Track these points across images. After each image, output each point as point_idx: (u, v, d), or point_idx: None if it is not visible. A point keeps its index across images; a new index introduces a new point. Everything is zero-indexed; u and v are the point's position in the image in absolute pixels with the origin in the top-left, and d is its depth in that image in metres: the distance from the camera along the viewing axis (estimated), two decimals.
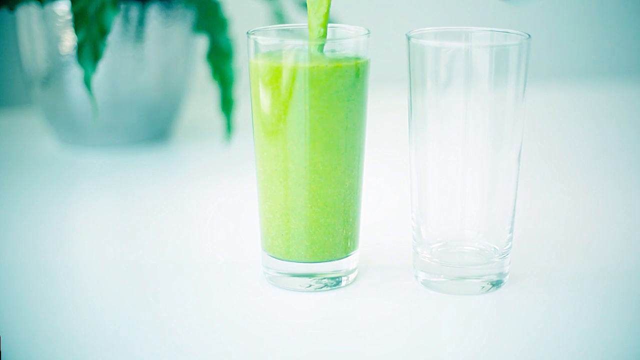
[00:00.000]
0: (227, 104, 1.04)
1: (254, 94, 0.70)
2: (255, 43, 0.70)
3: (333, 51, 0.70)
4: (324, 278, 0.71)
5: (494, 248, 0.71)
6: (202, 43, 1.12)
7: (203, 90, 1.24)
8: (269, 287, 0.72)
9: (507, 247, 0.71)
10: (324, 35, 0.69)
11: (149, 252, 0.80)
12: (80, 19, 0.93)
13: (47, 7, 1.01)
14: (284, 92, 0.68)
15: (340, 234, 0.71)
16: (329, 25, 0.73)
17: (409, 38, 0.70)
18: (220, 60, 1.03)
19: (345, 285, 0.72)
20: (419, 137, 0.70)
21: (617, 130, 1.21)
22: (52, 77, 1.04)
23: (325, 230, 0.71)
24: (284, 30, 0.73)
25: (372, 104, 0.76)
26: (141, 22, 1.03)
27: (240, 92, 1.07)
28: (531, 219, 0.85)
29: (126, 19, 1.02)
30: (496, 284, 0.71)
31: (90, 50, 0.93)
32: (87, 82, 0.93)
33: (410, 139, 0.71)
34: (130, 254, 0.80)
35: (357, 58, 0.69)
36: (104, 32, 0.93)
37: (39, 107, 1.08)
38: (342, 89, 0.69)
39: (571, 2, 1.51)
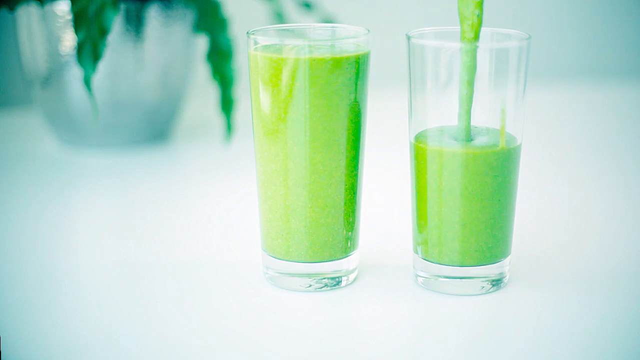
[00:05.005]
0: (227, 104, 1.04)
1: (253, 92, 0.70)
2: (255, 43, 0.70)
3: (332, 46, 0.70)
4: (324, 278, 0.72)
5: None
6: (202, 43, 1.12)
7: (203, 90, 1.24)
8: (269, 287, 0.72)
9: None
10: (476, 37, 0.68)
11: (149, 252, 0.80)
12: (80, 19, 0.93)
13: (47, 7, 1.01)
14: (284, 89, 0.68)
15: (340, 234, 0.71)
16: (329, 25, 0.73)
17: (409, 38, 0.70)
18: (220, 60, 1.03)
19: (345, 285, 0.72)
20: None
21: (617, 130, 1.21)
22: (52, 77, 1.04)
23: (325, 230, 0.71)
24: (284, 30, 0.73)
25: (372, 103, 0.76)
26: (141, 22, 1.03)
27: (240, 92, 1.07)
28: (531, 218, 0.85)
29: (126, 19, 1.02)
30: (496, 284, 0.71)
31: (90, 50, 0.93)
32: (87, 82, 0.93)
33: (410, 139, 0.71)
34: (130, 254, 0.80)
35: (358, 53, 0.69)
36: (104, 32, 0.93)
37: (39, 107, 1.08)
38: (342, 86, 0.69)
39: (571, 2, 1.51)
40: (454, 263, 0.70)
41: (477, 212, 0.69)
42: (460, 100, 0.68)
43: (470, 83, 0.67)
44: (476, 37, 0.68)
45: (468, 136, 0.68)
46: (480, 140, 0.69)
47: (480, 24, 0.68)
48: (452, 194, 0.68)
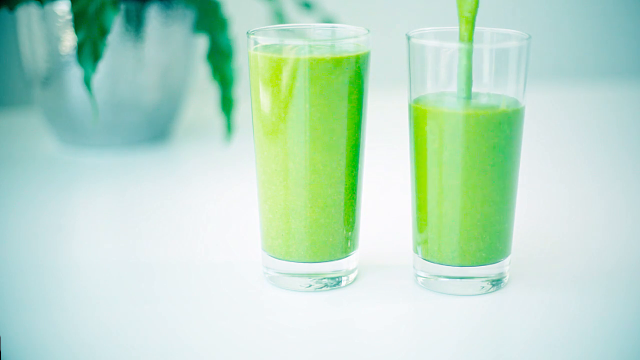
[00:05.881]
0: (227, 104, 1.04)
1: (253, 92, 0.71)
2: (255, 43, 0.70)
3: (332, 46, 0.70)
4: (324, 278, 0.72)
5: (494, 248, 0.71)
6: (202, 43, 1.12)
7: (203, 90, 1.24)
8: (269, 287, 0.72)
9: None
10: (470, 38, 0.68)
11: (149, 251, 0.80)
12: (80, 19, 0.93)
13: (47, 7, 1.01)
14: (284, 89, 0.68)
15: (340, 234, 0.71)
16: (329, 25, 0.73)
17: (409, 38, 0.70)
18: (220, 60, 1.03)
19: (345, 285, 0.72)
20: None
21: (617, 130, 1.21)
22: (52, 77, 1.04)
23: (325, 230, 0.71)
24: (284, 30, 0.73)
25: (372, 103, 0.76)
26: (141, 22, 1.03)
27: (240, 92, 1.07)
28: (531, 218, 0.85)
29: (126, 19, 1.02)
30: (496, 284, 0.71)
31: (90, 50, 0.93)
32: (87, 82, 0.93)
33: (411, 139, 0.71)
34: (130, 254, 0.80)
35: (358, 53, 0.69)
36: (104, 32, 0.93)
37: (39, 107, 1.08)
38: (342, 86, 0.69)
39: (571, 2, 1.51)
40: (454, 261, 0.70)
41: (477, 179, 0.68)
42: (459, 67, 0.68)
43: (469, 56, 0.67)
44: (470, 37, 0.68)
45: (469, 95, 0.68)
46: (481, 101, 0.68)
47: (474, 21, 0.68)
48: (453, 162, 0.68)
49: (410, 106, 0.70)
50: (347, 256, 0.72)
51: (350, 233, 0.72)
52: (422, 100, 0.69)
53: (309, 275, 0.71)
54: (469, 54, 0.68)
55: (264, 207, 0.72)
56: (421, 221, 0.71)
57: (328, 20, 1.13)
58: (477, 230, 0.69)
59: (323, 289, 0.72)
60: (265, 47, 0.70)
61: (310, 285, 0.71)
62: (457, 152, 0.68)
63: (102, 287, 0.74)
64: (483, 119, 0.68)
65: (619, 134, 1.19)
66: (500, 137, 0.68)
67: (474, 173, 0.68)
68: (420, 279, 0.72)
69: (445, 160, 0.68)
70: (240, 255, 0.78)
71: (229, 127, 1.05)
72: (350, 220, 0.72)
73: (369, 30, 0.71)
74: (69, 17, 1.00)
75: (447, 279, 0.71)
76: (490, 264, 0.70)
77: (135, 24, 1.02)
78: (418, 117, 0.69)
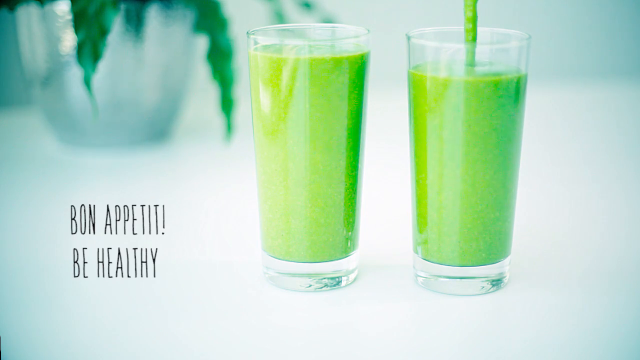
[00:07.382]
0: (227, 104, 1.04)
1: (253, 92, 0.71)
2: (255, 43, 0.70)
3: (332, 46, 0.70)
4: (324, 278, 0.72)
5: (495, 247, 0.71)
6: (202, 43, 1.12)
7: (203, 90, 1.24)
8: (269, 287, 0.72)
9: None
10: (474, 38, 0.68)
11: (149, 252, 0.80)
12: (80, 19, 0.93)
13: (47, 7, 1.01)
14: (284, 89, 0.69)
15: (340, 234, 0.71)
16: (329, 25, 0.73)
17: (409, 38, 0.70)
18: (220, 60, 1.03)
19: (345, 285, 0.72)
20: (419, 136, 0.70)
21: (617, 130, 1.21)
22: (52, 77, 1.04)
23: (325, 230, 0.71)
24: (284, 30, 0.73)
25: (372, 103, 0.76)
26: (141, 22, 1.03)
27: (240, 92, 1.07)
28: (531, 218, 0.86)
29: (126, 19, 1.02)
30: (496, 284, 0.71)
31: (90, 50, 0.93)
32: (87, 82, 0.93)
33: (411, 139, 0.71)
34: (130, 254, 0.80)
35: (358, 53, 0.69)
36: (104, 32, 0.93)
37: (39, 107, 1.08)
38: (342, 86, 0.69)
39: (571, 2, 1.51)
40: (454, 261, 0.70)
41: (478, 163, 0.68)
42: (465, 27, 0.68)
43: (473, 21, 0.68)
44: (474, 37, 0.68)
45: (472, 62, 0.68)
46: (483, 68, 0.68)
47: (475, 18, 0.68)
48: (453, 140, 0.67)
49: (409, 73, 0.70)
50: (347, 256, 0.72)
51: (350, 233, 0.72)
52: (421, 66, 0.69)
53: (309, 275, 0.71)
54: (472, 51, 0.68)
55: (264, 207, 0.72)
56: (421, 217, 0.71)
57: (328, 20, 1.13)
58: (477, 230, 0.69)
59: (323, 289, 0.72)
60: (265, 47, 0.70)
61: (310, 285, 0.71)
62: (457, 130, 0.67)
63: (101, 286, 0.74)
64: (484, 86, 0.67)
65: (619, 134, 1.19)
66: (501, 112, 0.68)
67: (475, 152, 0.68)
68: (420, 279, 0.72)
69: (445, 138, 0.68)
70: (240, 255, 0.78)
71: (229, 127, 1.05)
72: (350, 220, 0.72)
73: (369, 30, 0.71)
74: (69, 17, 1.00)
75: (447, 279, 0.71)
76: (490, 264, 0.71)
77: (135, 24, 1.02)
78: (417, 95, 0.69)
